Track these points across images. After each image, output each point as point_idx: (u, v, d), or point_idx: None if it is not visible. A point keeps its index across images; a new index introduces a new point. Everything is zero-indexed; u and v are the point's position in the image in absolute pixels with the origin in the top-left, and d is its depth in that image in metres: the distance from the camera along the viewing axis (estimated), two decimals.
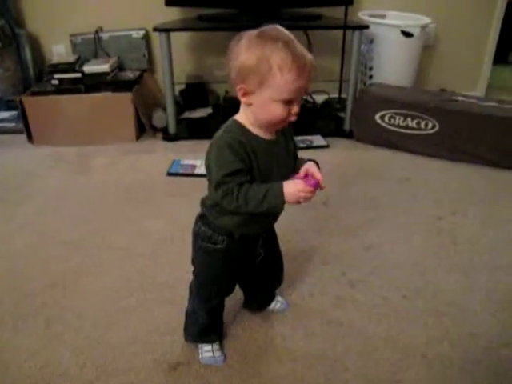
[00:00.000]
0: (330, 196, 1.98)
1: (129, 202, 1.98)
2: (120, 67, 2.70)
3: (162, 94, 2.74)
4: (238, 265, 1.17)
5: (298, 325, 1.36)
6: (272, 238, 1.24)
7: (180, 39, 2.72)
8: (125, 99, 2.45)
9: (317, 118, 2.81)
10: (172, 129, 2.56)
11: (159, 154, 2.41)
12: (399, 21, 2.67)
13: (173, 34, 2.38)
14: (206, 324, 1.23)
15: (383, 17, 2.81)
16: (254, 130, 0.98)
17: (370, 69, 2.74)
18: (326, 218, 1.87)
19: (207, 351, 1.24)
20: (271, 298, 1.40)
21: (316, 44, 2.83)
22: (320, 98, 2.94)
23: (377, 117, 2.42)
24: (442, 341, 1.32)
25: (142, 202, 1.98)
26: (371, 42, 2.65)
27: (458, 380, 1.21)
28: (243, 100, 0.95)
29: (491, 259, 1.65)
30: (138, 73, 2.65)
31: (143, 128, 2.59)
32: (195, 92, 2.86)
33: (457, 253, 1.68)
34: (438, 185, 2.14)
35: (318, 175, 0.98)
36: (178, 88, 2.72)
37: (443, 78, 3.07)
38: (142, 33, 2.73)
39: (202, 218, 1.12)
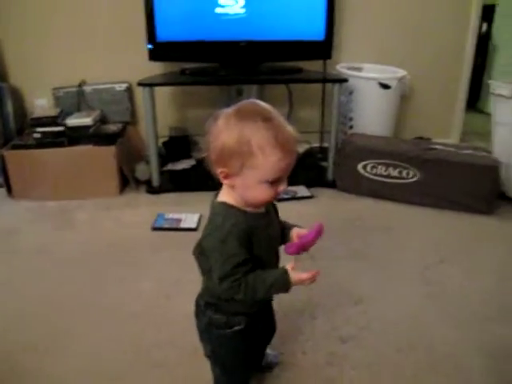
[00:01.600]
0: (315, 249, 1.97)
1: (114, 260, 1.93)
2: (103, 120, 2.71)
3: (145, 146, 2.75)
4: (257, 335, 1.12)
5: None
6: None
7: (163, 92, 2.76)
8: (107, 152, 2.45)
9: (299, 168, 2.83)
10: (155, 181, 2.55)
11: (143, 208, 2.38)
12: (375, 73, 2.77)
13: (156, 88, 2.41)
14: None
15: (360, 69, 2.91)
16: (245, 208, 0.94)
17: (350, 119, 2.81)
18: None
19: None
20: (263, 356, 1.36)
21: (296, 96, 2.92)
22: (301, 148, 2.99)
23: (359, 166, 2.47)
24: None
25: (128, 259, 1.93)
26: (350, 93, 2.73)
27: None
28: (225, 182, 0.91)
29: (481, 310, 1.65)
30: (120, 125, 2.66)
31: (126, 181, 2.58)
32: (178, 144, 2.88)
33: (447, 304, 1.68)
34: (422, 233, 2.17)
35: (310, 234, 0.98)
36: (161, 140, 2.73)
37: (419, 127, 3.17)
38: (124, 86, 2.76)
39: (209, 306, 1.05)
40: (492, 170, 2.29)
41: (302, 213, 2.21)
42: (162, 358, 1.41)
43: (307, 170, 2.80)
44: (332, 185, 2.61)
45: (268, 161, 0.84)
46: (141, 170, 2.58)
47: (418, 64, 3.03)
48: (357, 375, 1.36)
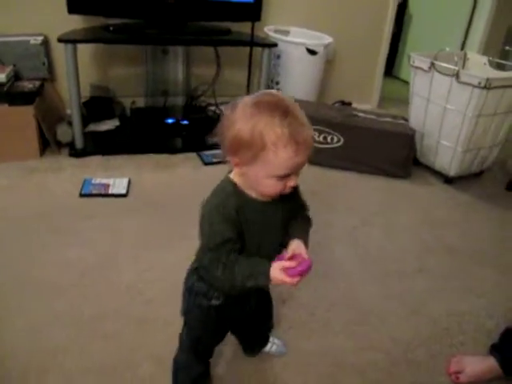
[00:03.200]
0: None
1: (43, 229, 1.84)
2: (17, 76, 2.49)
3: (65, 106, 2.60)
4: (232, 318, 1.13)
5: None
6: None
7: (84, 48, 2.58)
8: (25, 112, 2.28)
9: None
10: (79, 144, 2.44)
11: (68, 172, 2.27)
12: (302, 37, 2.81)
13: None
14: (199, 374, 1.20)
15: (287, 33, 2.93)
16: (250, 192, 0.93)
17: (277, 83, 2.85)
18: None
19: None
20: (265, 342, 1.38)
21: (224, 58, 2.88)
22: None
23: None
24: (368, 348, 1.45)
25: (58, 227, 1.86)
26: (278, 57, 2.76)
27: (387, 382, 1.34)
28: (236, 170, 0.91)
29: (400, 267, 1.83)
30: (37, 83, 2.47)
31: (47, 143, 2.43)
32: (100, 103, 2.75)
33: (371, 262, 1.84)
34: (345, 196, 2.31)
35: (306, 257, 0.92)
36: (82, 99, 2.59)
37: (341, 92, 3.29)
38: (40, 39, 2.54)
39: (195, 271, 1.05)
40: (408, 137, 2.46)
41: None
42: (106, 329, 1.41)
43: None
44: None
45: (279, 157, 0.82)
46: (63, 132, 2.44)
47: (342, 30, 3.11)
48: (294, 335, 1.47)
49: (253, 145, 0.82)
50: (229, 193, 0.92)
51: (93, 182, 2.18)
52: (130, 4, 2.43)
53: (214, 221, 0.90)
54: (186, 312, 1.11)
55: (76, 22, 2.52)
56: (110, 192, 2.11)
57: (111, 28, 2.44)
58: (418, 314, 1.61)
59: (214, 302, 1.03)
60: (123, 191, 2.12)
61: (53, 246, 1.76)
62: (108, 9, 2.42)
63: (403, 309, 1.63)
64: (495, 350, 1.40)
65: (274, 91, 0.89)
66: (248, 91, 3.00)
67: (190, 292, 1.07)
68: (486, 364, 1.39)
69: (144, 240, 1.84)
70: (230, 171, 0.95)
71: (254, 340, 1.37)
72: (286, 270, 0.89)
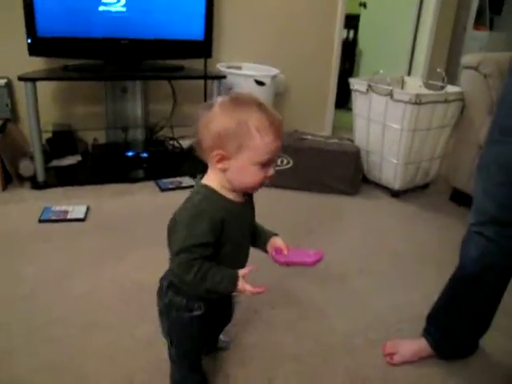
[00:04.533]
0: None
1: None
2: None
3: (28, 144, 2.71)
4: (216, 322, 1.19)
5: None
6: None
7: (45, 89, 2.73)
8: None
9: (184, 161, 2.97)
10: (41, 177, 2.54)
11: (29, 203, 2.36)
12: (253, 71, 3.01)
13: (39, 84, 2.41)
14: (198, 376, 1.25)
15: (239, 68, 3.13)
16: (227, 194, 1.00)
17: None
18: None
19: None
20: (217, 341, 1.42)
21: (180, 93, 3.06)
22: (186, 143, 3.12)
23: None
24: (307, 339, 1.53)
25: (14, 249, 1.93)
26: (230, 89, 2.94)
27: (323, 371, 1.41)
28: (219, 166, 0.96)
29: (343, 269, 1.94)
30: (0, 122, 2.60)
31: (9, 178, 2.53)
32: (63, 140, 2.87)
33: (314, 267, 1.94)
34: (294, 212, 2.44)
35: (285, 250, 1.07)
36: (45, 136, 2.71)
37: (295, 122, 3.47)
38: (3, 81, 2.69)
39: (171, 287, 1.07)
40: (353, 155, 2.63)
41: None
42: (54, 334, 1.47)
43: (192, 163, 2.95)
44: None
45: (263, 141, 0.92)
46: (24, 166, 2.55)
47: (291, 66, 3.34)
48: (237, 332, 1.54)
49: (238, 134, 0.92)
50: (213, 199, 0.98)
51: (52, 209, 2.26)
52: (88, 45, 2.61)
53: (197, 223, 0.94)
54: (170, 329, 1.12)
55: (37, 65, 2.68)
56: (68, 217, 2.20)
57: (70, 68, 2.60)
58: (358, 308, 1.71)
59: (196, 313, 1.06)
60: (81, 216, 2.21)
61: (7, 264, 1.83)
62: (66, 50, 2.58)
63: (344, 304, 1.72)
64: (425, 332, 1.49)
65: (244, 92, 1.02)
66: None
67: (168, 308, 1.08)
68: (417, 345, 1.48)
69: (97, 257, 1.91)
70: (201, 179, 1.02)
71: (215, 340, 1.40)
72: (302, 259, 1.07)
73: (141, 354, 1.41)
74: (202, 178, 1.03)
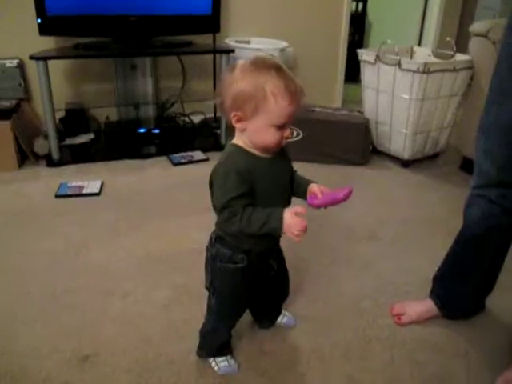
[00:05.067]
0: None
1: (19, 225, 1.99)
2: None
3: (42, 123, 2.77)
4: (257, 280, 1.22)
5: None
6: (280, 253, 1.30)
7: (57, 67, 2.78)
8: (3, 127, 2.44)
9: (195, 136, 3.02)
10: (55, 154, 2.60)
11: (45, 180, 2.43)
12: (262, 45, 3.01)
13: (50, 63, 2.45)
14: (226, 339, 1.30)
15: (248, 42, 3.14)
16: (254, 151, 1.04)
17: None
18: None
19: (222, 361, 1.29)
20: (279, 312, 1.46)
21: (189, 69, 3.08)
22: (197, 119, 3.16)
23: None
24: (317, 301, 1.58)
25: (32, 223, 2.01)
26: None
27: (332, 330, 1.46)
28: (237, 126, 1.01)
29: (350, 235, 1.97)
30: (14, 102, 2.66)
31: (25, 156, 2.60)
32: (75, 119, 2.92)
33: (320, 232, 1.98)
34: None
35: (319, 194, 1.09)
36: (57, 115, 2.76)
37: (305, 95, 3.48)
38: (15, 62, 2.74)
39: (218, 239, 1.14)
40: (362, 126, 2.64)
41: (198, 174, 2.39)
42: (74, 301, 1.55)
43: (203, 138, 2.99)
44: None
45: (278, 106, 0.95)
46: (39, 145, 2.61)
47: (300, 39, 3.33)
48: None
49: (255, 96, 0.96)
50: (237, 154, 1.04)
51: (68, 184, 2.33)
52: (97, 23, 2.63)
53: (229, 179, 1.00)
54: (213, 279, 1.18)
55: (48, 45, 2.72)
56: (83, 192, 2.26)
57: (80, 46, 2.64)
58: (366, 273, 1.75)
59: (240, 265, 1.13)
60: (96, 190, 2.27)
61: (27, 238, 1.90)
62: (75, 29, 2.61)
63: (352, 269, 1.76)
64: (432, 293, 1.53)
65: (265, 55, 1.04)
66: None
67: (214, 259, 1.15)
68: (424, 306, 1.52)
69: (114, 229, 1.98)
70: (231, 140, 1.08)
71: (270, 311, 1.44)
72: (331, 195, 1.09)
73: (157, 317, 1.48)
74: (231, 139, 1.09)
